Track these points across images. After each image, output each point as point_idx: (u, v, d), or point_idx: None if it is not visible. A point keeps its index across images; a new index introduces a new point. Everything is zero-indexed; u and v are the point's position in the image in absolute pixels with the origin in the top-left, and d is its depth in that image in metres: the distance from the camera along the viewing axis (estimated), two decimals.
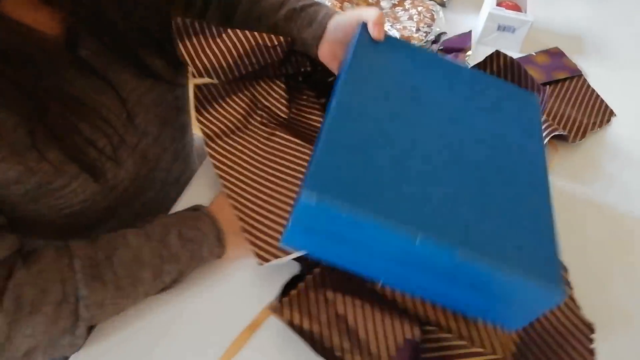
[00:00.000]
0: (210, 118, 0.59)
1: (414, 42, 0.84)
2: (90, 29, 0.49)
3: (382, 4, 0.92)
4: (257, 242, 0.53)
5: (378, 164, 0.45)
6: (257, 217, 0.55)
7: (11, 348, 0.45)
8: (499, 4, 0.87)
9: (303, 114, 0.65)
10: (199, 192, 0.63)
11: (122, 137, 0.53)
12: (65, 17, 0.48)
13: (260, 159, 0.59)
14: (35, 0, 0.46)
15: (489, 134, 0.53)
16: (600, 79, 0.82)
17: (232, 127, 0.60)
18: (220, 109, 0.60)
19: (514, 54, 0.88)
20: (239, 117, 0.61)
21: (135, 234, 0.51)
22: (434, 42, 0.85)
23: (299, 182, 0.57)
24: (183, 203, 0.61)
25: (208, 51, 0.56)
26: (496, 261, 0.41)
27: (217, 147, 0.59)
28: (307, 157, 0.58)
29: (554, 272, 0.43)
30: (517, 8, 0.87)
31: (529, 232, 0.45)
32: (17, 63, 0.43)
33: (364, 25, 0.57)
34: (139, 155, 0.57)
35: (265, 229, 0.54)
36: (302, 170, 0.58)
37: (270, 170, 0.58)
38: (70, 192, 0.50)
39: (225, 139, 0.60)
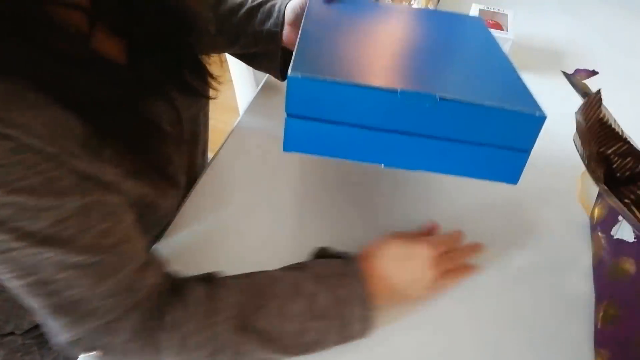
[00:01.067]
0: None
1: None
2: (146, 52, 0.52)
3: None
4: None
5: (348, 59, 0.50)
6: None
7: None
8: None
9: None
10: (203, 199, 0.67)
11: (182, 151, 0.58)
12: (126, 44, 0.51)
13: None
14: (105, 32, 0.48)
15: (443, 36, 0.61)
16: None
17: None
18: None
19: None
20: None
21: (287, 285, 0.52)
22: None
23: None
24: (187, 208, 0.65)
25: None
26: (473, 98, 0.44)
27: None
28: None
29: (531, 100, 0.46)
30: (498, 26, 0.92)
31: (498, 81, 0.50)
32: (113, 92, 0.46)
33: None
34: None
35: None
36: None
37: None
38: (165, 208, 0.55)
39: None
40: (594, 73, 0.61)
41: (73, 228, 0.42)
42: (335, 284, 0.52)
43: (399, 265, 0.55)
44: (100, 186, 0.44)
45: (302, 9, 0.65)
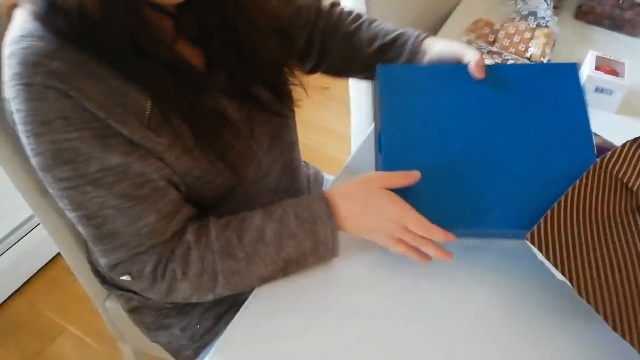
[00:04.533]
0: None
1: None
2: (222, 66, 0.66)
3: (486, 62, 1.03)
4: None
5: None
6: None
7: (171, 298, 0.64)
8: (597, 68, 0.95)
9: None
10: None
11: (250, 145, 0.69)
12: (206, 57, 0.65)
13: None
14: (187, 43, 0.63)
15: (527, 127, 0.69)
16: None
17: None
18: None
19: (610, 114, 0.95)
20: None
21: (260, 216, 0.64)
22: None
23: None
24: None
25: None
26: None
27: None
28: None
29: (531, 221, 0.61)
30: (615, 73, 0.95)
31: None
32: (186, 86, 0.60)
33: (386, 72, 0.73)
34: (257, 162, 0.71)
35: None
36: None
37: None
38: (213, 186, 0.66)
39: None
40: None
41: (113, 176, 0.55)
42: (301, 208, 0.63)
43: (362, 215, 0.64)
44: (142, 150, 0.57)
45: (450, 57, 0.73)
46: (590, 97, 0.95)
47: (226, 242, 0.62)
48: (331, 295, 0.67)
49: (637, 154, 0.67)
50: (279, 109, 0.73)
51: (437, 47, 0.75)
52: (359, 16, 0.85)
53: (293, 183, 0.83)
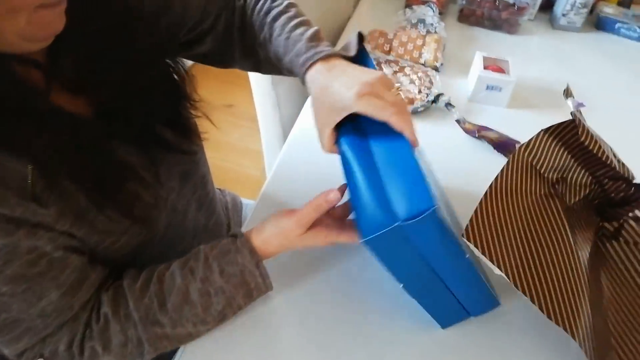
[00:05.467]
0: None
1: (418, 102, 0.98)
2: (113, 111, 0.58)
3: (385, 71, 1.08)
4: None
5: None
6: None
7: None
8: (485, 68, 1.02)
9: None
10: None
11: (158, 192, 0.63)
12: (93, 103, 0.57)
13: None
14: (65, 93, 0.55)
15: None
16: None
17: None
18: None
19: (502, 109, 1.02)
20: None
21: (182, 276, 0.59)
22: (434, 101, 1.00)
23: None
24: None
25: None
26: None
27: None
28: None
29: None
30: (501, 70, 1.03)
31: None
32: (72, 142, 0.51)
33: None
34: (171, 208, 0.66)
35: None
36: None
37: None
38: (119, 247, 0.59)
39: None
40: (580, 105, 0.70)
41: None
42: (225, 262, 0.60)
43: (275, 238, 0.62)
44: (28, 226, 0.49)
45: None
46: (482, 95, 1.03)
47: (147, 310, 0.57)
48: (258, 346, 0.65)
49: (548, 143, 0.71)
50: (187, 147, 0.68)
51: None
52: (266, 15, 0.69)
53: (210, 218, 0.80)
